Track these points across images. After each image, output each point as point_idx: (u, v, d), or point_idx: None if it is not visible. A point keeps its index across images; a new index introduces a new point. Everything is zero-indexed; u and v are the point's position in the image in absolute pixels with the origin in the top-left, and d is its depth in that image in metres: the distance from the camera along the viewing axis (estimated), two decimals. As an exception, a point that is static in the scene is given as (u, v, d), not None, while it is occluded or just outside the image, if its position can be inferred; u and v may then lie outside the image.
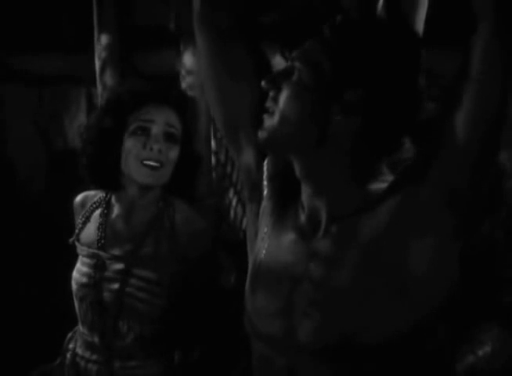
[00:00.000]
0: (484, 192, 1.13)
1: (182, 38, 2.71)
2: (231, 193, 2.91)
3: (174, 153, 1.87)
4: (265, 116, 1.20)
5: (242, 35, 1.32)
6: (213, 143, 2.88)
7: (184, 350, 1.90)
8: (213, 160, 2.90)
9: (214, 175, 2.91)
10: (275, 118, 1.18)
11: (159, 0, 2.92)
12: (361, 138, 1.15)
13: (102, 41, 2.91)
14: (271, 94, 1.20)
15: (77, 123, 3.24)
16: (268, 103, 1.20)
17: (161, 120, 1.86)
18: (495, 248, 2.23)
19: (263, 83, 1.20)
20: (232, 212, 2.89)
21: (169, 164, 1.87)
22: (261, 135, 1.20)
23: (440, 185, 1.09)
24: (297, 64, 1.17)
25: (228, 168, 2.90)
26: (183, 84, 2.71)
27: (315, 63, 1.14)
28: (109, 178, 1.90)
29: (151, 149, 1.83)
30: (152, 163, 1.84)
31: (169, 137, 1.87)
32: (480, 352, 2.21)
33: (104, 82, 2.92)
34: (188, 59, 2.72)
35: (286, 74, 1.18)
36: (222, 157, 2.90)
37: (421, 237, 1.10)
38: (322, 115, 1.14)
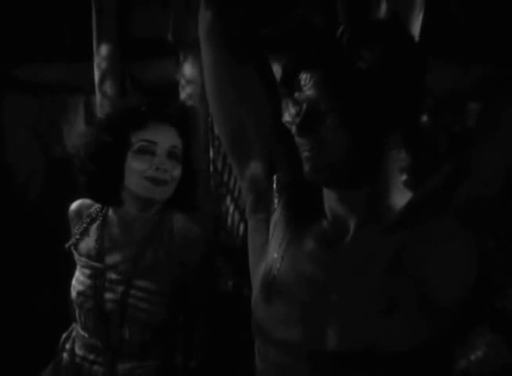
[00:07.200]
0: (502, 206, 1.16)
1: (181, 49, 2.74)
2: (228, 200, 2.93)
3: (177, 171, 1.92)
4: (306, 153, 1.15)
5: (249, 49, 1.31)
6: (211, 151, 2.90)
7: (185, 354, 1.93)
8: (210, 167, 2.92)
9: (211, 182, 2.93)
10: (324, 156, 1.13)
11: (158, 11, 2.94)
12: (398, 156, 1.15)
13: (102, 51, 2.93)
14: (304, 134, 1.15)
15: (76, 131, 3.26)
16: (303, 138, 1.15)
17: (165, 141, 1.89)
18: (489, 255, 2.25)
19: (297, 133, 1.14)
20: (229, 219, 2.91)
21: (173, 181, 1.91)
22: (310, 171, 1.15)
23: (463, 204, 1.13)
24: (323, 107, 1.12)
25: (225, 176, 2.92)
26: (182, 94, 2.74)
27: (346, 103, 1.10)
28: (111, 194, 1.93)
29: (157, 168, 1.87)
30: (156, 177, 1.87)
31: (172, 156, 1.91)
32: (472, 357, 2.23)
33: (103, 92, 2.94)
34: (187, 69, 2.75)
35: (317, 119, 1.12)
36: (219, 165, 2.92)
37: (443, 251, 1.13)
38: (374, 146, 1.13)
